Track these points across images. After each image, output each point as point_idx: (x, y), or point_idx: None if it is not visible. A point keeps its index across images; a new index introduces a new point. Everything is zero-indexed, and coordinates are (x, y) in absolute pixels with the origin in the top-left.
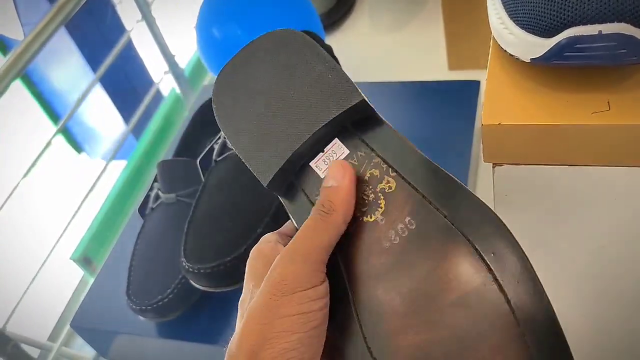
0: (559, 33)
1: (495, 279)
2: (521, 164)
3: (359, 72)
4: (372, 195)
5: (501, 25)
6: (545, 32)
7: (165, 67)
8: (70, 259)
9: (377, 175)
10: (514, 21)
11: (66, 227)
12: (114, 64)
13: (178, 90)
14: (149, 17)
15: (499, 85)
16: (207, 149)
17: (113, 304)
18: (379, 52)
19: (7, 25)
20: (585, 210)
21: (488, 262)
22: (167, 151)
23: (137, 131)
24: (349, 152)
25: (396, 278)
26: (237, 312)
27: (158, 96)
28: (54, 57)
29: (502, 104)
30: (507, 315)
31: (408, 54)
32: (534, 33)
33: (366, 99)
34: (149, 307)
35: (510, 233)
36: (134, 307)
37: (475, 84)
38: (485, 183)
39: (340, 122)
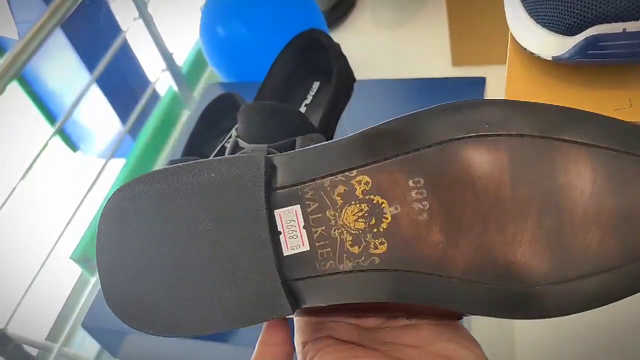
0: (582, 31)
1: None
2: None
3: (362, 70)
4: (364, 206)
5: (520, 24)
6: (569, 30)
7: (162, 66)
8: (70, 258)
9: (343, 189)
10: (534, 19)
11: (65, 226)
12: (109, 63)
13: (175, 89)
14: (146, 15)
15: (519, 83)
16: (218, 148)
17: None
18: (381, 49)
19: (1, 23)
20: None
21: None
22: (172, 151)
23: (133, 129)
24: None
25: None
26: None
27: (155, 94)
28: (49, 57)
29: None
30: None
31: (411, 50)
32: (556, 31)
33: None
34: None
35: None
36: None
37: (481, 81)
38: None
39: None
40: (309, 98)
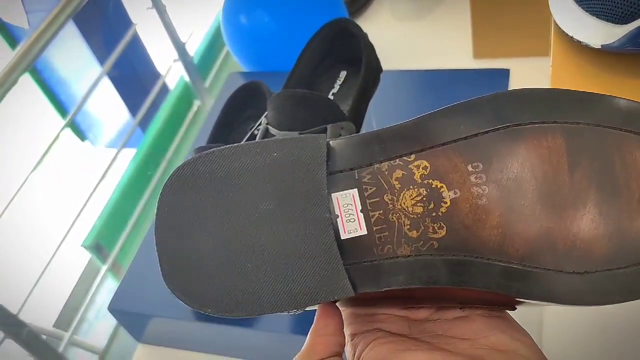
0: (635, 19)
1: None
2: None
3: (382, 61)
4: (423, 190)
5: (567, 13)
6: (621, 18)
7: (174, 56)
8: (82, 246)
9: (401, 174)
10: (583, 8)
11: (78, 215)
12: (120, 54)
13: (187, 79)
14: (159, 5)
15: (565, 72)
16: (248, 135)
17: (151, 287)
18: (401, 41)
19: (11, 12)
20: None
21: None
22: (183, 140)
23: (142, 120)
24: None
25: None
26: None
27: (165, 85)
28: (60, 48)
29: None
30: None
31: (431, 42)
32: (607, 20)
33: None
34: None
35: None
36: None
37: (505, 73)
38: None
39: None
40: (336, 87)
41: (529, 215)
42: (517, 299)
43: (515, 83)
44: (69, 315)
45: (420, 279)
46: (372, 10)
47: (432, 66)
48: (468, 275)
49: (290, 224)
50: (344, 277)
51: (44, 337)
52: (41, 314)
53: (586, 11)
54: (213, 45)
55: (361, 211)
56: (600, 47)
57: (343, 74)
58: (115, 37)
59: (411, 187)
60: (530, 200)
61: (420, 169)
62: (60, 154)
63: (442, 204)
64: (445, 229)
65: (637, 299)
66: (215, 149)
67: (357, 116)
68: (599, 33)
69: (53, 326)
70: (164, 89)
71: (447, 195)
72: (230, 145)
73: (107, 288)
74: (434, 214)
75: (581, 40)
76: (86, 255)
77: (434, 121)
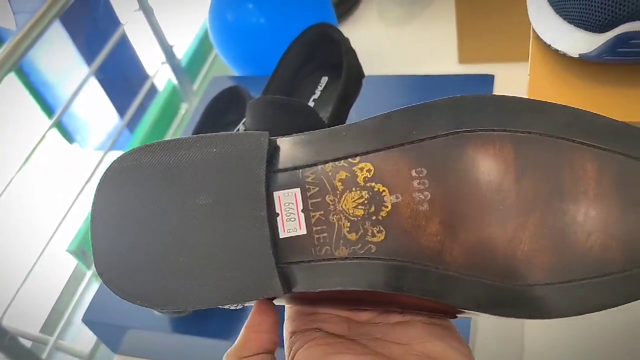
0: (613, 28)
1: None
2: None
3: (367, 65)
4: (365, 193)
5: (545, 21)
6: (598, 27)
7: (161, 58)
8: (67, 251)
9: (345, 175)
10: (561, 16)
11: (62, 219)
12: (108, 55)
13: (175, 82)
14: (146, 7)
15: (542, 81)
16: None
17: None
18: (387, 45)
19: None
20: None
21: None
22: None
23: (131, 122)
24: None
25: None
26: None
27: (153, 87)
28: (47, 49)
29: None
30: None
31: (417, 46)
32: (585, 28)
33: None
34: None
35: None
36: None
37: (490, 78)
38: None
39: None
40: (318, 93)
41: (469, 224)
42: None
43: (500, 88)
44: (56, 320)
45: (356, 282)
46: (359, 14)
47: (417, 71)
48: (405, 281)
49: (226, 220)
50: (275, 276)
51: (29, 342)
52: (27, 320)
53: (564, 19)
54: (201, 48)
55: (302, 211)
56: (578, 56)
57: (324, 79)
58: (103, 38)
59: (354, 189)
60: (472, 208)
61: (364, 171)
62: (47, 156)
63: (383, 208)
64: (384, 233)
65: (580, 315)
66: (159, 141)
67: (337, 123)
68: (577, 42)
69: (40, 332)
70: (152, 91)
71: (389, 199)
72: (174, 138)
73: (92, 293)
74: (374, 218)
75: (559, 49)
76: (74, 260)
77: (381, 124)
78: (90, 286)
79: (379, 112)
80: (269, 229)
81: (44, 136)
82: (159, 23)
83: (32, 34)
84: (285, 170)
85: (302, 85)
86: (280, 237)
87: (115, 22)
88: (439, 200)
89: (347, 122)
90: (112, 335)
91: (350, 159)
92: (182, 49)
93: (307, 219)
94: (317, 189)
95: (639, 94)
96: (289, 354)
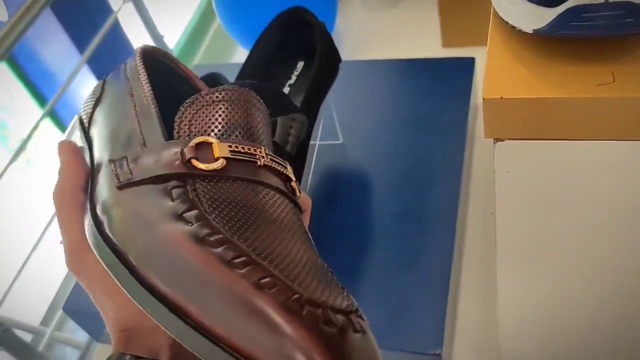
0: (564, 2)
1: None
2: (523, 139)
3: (351, 50)
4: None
5: None
6: (550, 0)
7: None
8: (61, 243)
9: None
10: None
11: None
12: (100, 44)
13: None
14: None
15: (500, 58)
16: None
17: None
18: (371, 30)
19: None
20: (587, 185)
21: None
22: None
23: None
24: None
25: None
26: None
27: None
28: (39, 38)
29: (503, 77)
30: None
31: (401, 31)
32: (537, 2)
33: None
34: None
35: None
36: None
37: (470, 61)
38: (481, 161)
39: None
40: (293, 78)
41: None
42: None
43: (482, 70)
44: (55, 312)
45: None
46: (342, 0)
47: (400, 55)
48: None
49: None
50: None
51: (29, 336)
52: (26, 312)
53: None
54: (193, 39)
55: None
56: (532, 31)
57: (300, 64)
58: (96, 29)
59: None
60: None
61: None
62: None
63: None
64: None
65: None
66: None
67: (311, 108)
68: (530, 17)
69: (40, 324)
70: None
71: None
72: None
73: None
74: None
75: (514, 24)
76: None
77: None
78: None
79: (362, 96)
80: None
81: (37, 125)
82: (149, 13)
83: (21, 23)
84: None
85: (278, 70)
86: None
87: (107, 11)
88: None
89: (327, 107)
90: (93, 324)
91: None
92: (174, 40)
93: None
94: None
95: (595, 70)
96: None
